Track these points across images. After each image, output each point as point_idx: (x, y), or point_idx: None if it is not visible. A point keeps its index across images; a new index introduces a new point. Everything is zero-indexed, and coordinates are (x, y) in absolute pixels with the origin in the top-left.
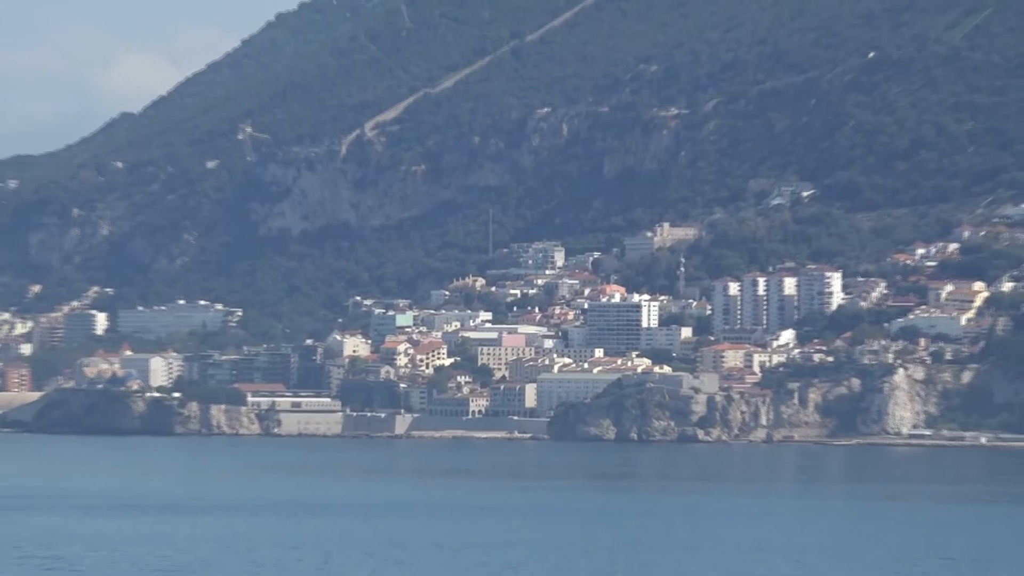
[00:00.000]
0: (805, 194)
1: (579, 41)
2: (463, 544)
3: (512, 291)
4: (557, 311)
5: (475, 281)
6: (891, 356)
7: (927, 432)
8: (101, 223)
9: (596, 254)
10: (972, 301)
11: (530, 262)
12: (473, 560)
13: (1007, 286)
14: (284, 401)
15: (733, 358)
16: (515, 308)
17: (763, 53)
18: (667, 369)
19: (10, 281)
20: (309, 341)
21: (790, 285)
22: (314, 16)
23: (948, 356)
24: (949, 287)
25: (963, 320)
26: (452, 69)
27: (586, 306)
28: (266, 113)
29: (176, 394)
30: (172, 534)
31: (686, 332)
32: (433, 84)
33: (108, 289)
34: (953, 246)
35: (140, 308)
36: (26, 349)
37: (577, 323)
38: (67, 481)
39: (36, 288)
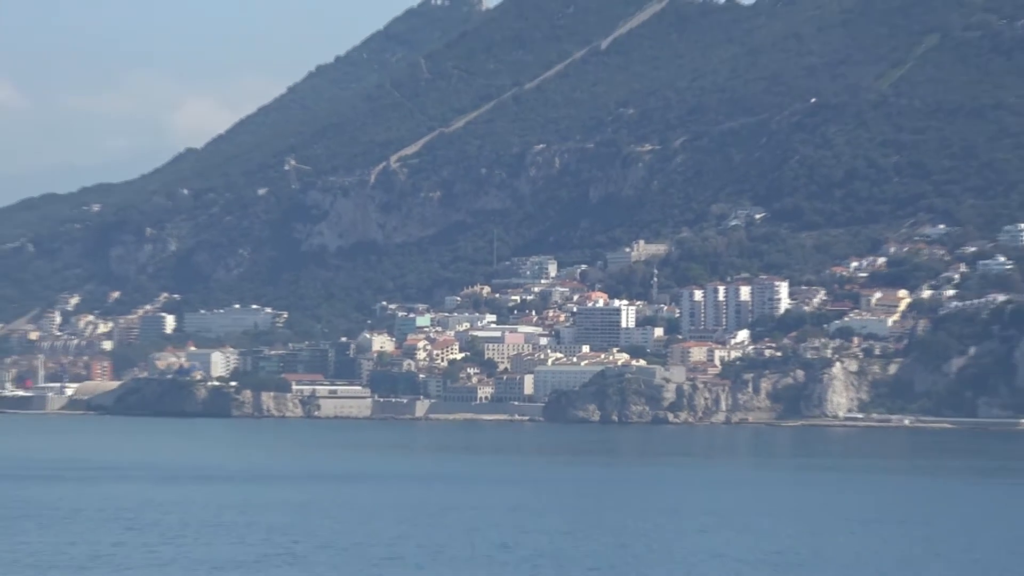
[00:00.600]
0: (758, 216)
1: (569, 89)
2: (475, 507)
3: (513, 297)
4: (550, 314)
5: (482, 289)
6: (829, 352)
7: (859, 415)
8: (170, 240)
9: (583, 266)
10: (897, 306)
11: (528, 273)
12: (485, 521)
13: (926, 293)
14: (323, 389)
15: (698, 353)
16: (515, 311)
17: (722, 99)
18: (642, 362)
19: (94, 289)
20: (343, 339)
21: (745, 292)
22: (348, 68)
23: (877, 352)
24: (878, 294)
25: (889, 322)
26: (462, 112)
27: (575, 310)
28: (308, 148)
29: (232, 383)
30: (231, 499)
31: (658, 331)
32: (447, 124)
33: (175, 295)
34: (881, 260)
35: (202, 311)
36: (107, 345)
37: (567, 324)
38: (142, 456)
39: (115, 294)
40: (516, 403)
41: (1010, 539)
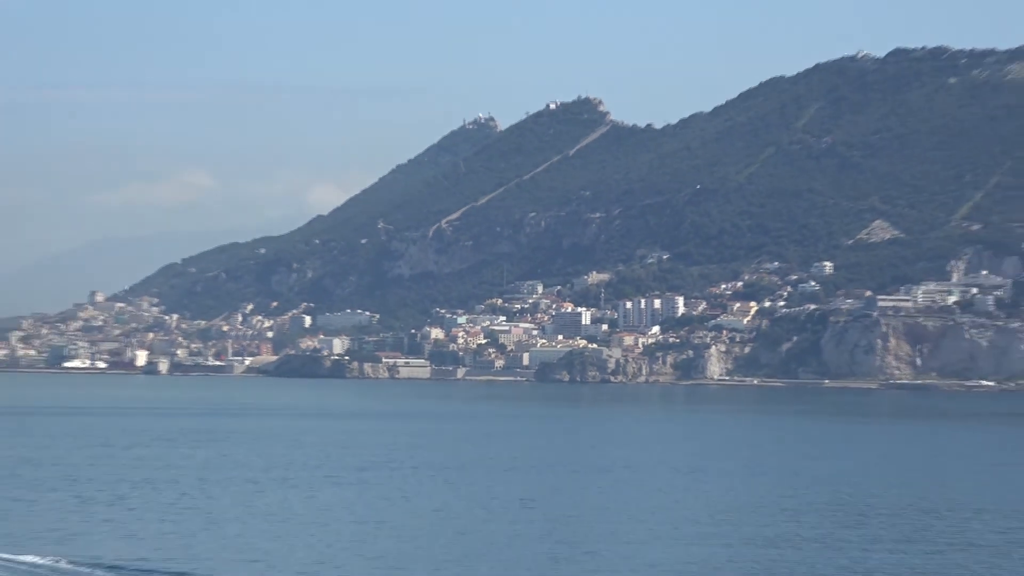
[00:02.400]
0: (665, 257)
1: (550, 179)
2: (491, 433)
3: (516, 305)
4: (539, 316)
5: (497, 300)
6: (708, 339)
7: (728, 378)
8: (308, 270)
9: (559, 287)
10: (749, 312)
11: (525, 291)
12: (500, 442)
13: (767, 304)
14: (401, 361)
15: (629, 340)
16: (517, 314)
17: (643, 185)
18: (595, 346)
19: (262, 300)
20: (413, 331)
21: (657, 303)
22: (415, 166)
23: (737, 340)
24: (738, 304)
25: (745, 321)
26: (485, 192)
27: (554, 313)
28: (392, 215)
29: (346, 357)
30: (354, 427)
31: (604, 327)
32: (476, 201)
33: (311, 304)
34: (740, 283)
35: (328, 314)
36: (270, 334)
37: (549, 322)
38: (293, 401)
39: (275, 304)
40: (518, 370)
41: (818, 451)
